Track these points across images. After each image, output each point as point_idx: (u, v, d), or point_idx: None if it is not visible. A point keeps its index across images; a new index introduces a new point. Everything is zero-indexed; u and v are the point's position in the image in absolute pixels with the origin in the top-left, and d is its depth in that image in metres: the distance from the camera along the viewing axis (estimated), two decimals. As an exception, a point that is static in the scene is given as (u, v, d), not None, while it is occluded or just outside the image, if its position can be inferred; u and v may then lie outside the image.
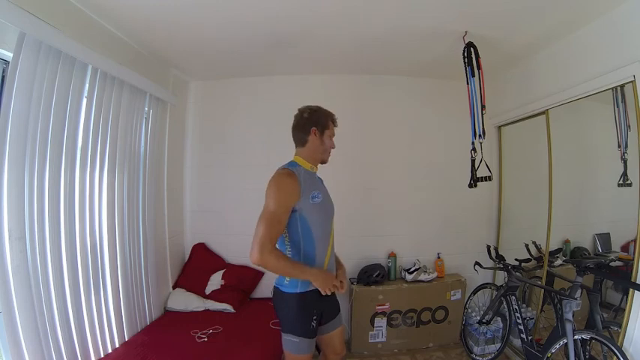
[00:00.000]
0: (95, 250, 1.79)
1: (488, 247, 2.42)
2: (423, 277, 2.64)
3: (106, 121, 1.85)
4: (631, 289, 1.58)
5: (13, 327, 1.32)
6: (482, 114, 1.93)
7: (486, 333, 2.45)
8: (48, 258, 1.48)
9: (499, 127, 2.82)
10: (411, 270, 2.65)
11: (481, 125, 1.93)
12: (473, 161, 1.99)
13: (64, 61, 1.52)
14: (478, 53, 1.91)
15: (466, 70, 1.93)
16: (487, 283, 2.59)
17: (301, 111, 1.53)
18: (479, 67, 1.91)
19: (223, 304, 2.42)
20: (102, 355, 1.77)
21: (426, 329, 2.64)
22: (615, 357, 1.49)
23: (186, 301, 2.43)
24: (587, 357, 1.69)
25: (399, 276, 2.75)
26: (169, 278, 2.58)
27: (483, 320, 2.42)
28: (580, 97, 1.93)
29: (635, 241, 1.63)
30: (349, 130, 2.53)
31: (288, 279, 1.43)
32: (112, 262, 1.91)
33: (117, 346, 1.89)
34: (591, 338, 1.63)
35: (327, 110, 1.55)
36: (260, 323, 2.23)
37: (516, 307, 2.17)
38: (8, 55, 1.35)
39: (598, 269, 1.77)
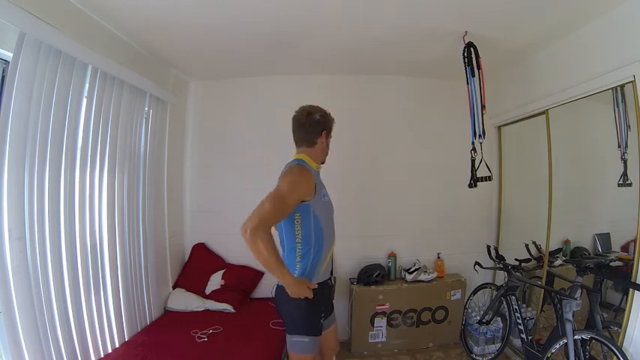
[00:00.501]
0: (95, 250, 1.79)
1: (488, 247, 2.42)
2: (423, 277, 2.64)
3: (106, 121, 1.85)
4: (631, 289, 1.58)
5: (13, 327, 1.32)
6: (482, 114, 1.93)
7: (486, 333, 2.45)
8: (48, 258, 1.48)
9: (499, 127, 2.82)
10: (411, 270, 2.65)
11: (481, 125, 1.93)
12: (473, 161, 1.99)
13: (64, 61, 1.52)
14: (478, 53, 1.92)
15: (466, 70, 1.93)
16: (487, 283, 2.59)
17: (309, 112, 1.49)
18: (479, 67, 1.91)
19: (223, 304, 2.42)
20: (102, 355, 1.77)
21: (426, 329, 2.64)
22: (615, 357, 1.49)
23: (186, 301, 2.43)
24: (587, 357, 1.69)
25: (399, 276, 2.75)
26: (169, 278, 2.57)
27: (483, 320, 2.42)
28: (580, 97, 1.93)
29: (635, 241, 1.63)
30: (349, 130, 2.54)
31: None
32: (112, 262, 1.91)
33: (117, 346, 1.89)
34: (591, 338, 1.63)
35: (330, 114, 1.56)
36: (260, 323, 2.23)
37: (516, 307, 2.17)
38: (8, 55, 1.35)
39: (598, 269, 1.77)
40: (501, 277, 2.51)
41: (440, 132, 2.88)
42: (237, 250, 2.79)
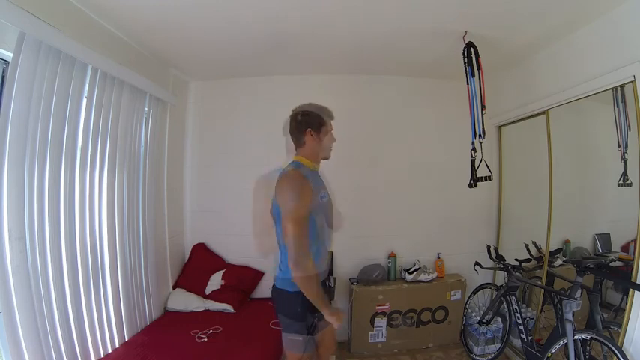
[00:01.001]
0: (95, 250, 1.79)
1: (488, 247, 2.42)
2: (423, 277, 2.64)
3: (106, 121, 1.85)
4: (631, 289, 1.58)
5: (13, 327, 1.32)
6: (482, 114, 1.93)
7: (486, 333, 2.45)
8: (48, 258, 1.48)
9: (499, 127, 2.82)
10: (411, 270, 2.65)
11: (481, 125, 1.93)
12: (473, 161, 1.99)
13: (64, 61, 1.52)
14: (478, 53, 1.91)
15: (466, 70, 1.93)
16: (487, 283, 2.59)
17: (295, 113, 1.51)
18: (479, 67, 1.91)
19: (223, 304, 2.42)
20: (102, 355, 1.77)
21: (426, 329, 2.64)
22: (615, 357, 1.50)
23: (186, 301, 2.43)
24: (587, 357, 1.69)
25: (399, 276, 2.75)
26: (169, 278, 2.57)
27: (483, 320, 2.42)
28: (580, 97, 1.93)
29: (635, 241, 1.63)
30: (349, 130, 2.53)
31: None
32: (112, 262, 1.91)
33: (117, 346, 1.89)
34: (591, 338, 1.63)
35: (320, 106, 1.53)
36: (260, 323, 2.23)
37: (516, 307, 2.17)
38: (8, 55, 1.35)
39: (598, 269, 1.77)
40: (501, 277, 2.51)
41: (440, 132, 2.88)
42: (237, 250, 2.79)
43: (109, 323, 1.86)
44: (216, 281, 2.61)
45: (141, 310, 2.16)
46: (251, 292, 2.72)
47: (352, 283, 2.63)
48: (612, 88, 1.76)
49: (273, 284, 1.51)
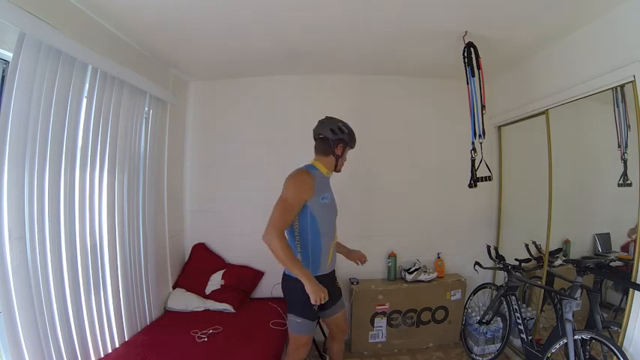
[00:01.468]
0: (95, 250, 1.79)
1: (488, 247, 2.42)
2: (423, 277, 2.64)
3: (106, 121, 1.84)
4: (631, 289, 1.58)
5: (13, 327, 1.32)
6: (482, 114, 1.93)
7: (486, 333, 2.45)
8: (48, 258, 1.48)
9: (499, 127, 2.82)
10: (411, 270, 2.65)
11: (481, 125, 1.93)
12: (473, 161, 1.99)
13: (64, 61, 1.52)
14: (478, 53, 1.91)
15: (466, 70, 1.93)
16: (487, 283, 2.60)
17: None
18: (479, 67, 1.90)
19: (223, 304, 2.42)
20: (102, 355, 1.76)
21: (426, 329, 2.64)
22: (615, 357, 1.50)
23: (186, 301, 2.43)
24: (587, 357, 1.69)
25: (399, 276, 2.75)
26: (169, 278, 2.57)
27: (483, 320, 2.42)
28: (580, 97, 1.93)
29: (635, 241, 1.63)
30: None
31: None
32: (112, 262, 1.91)
33: (117, 346, 1.89)
34: (591, 338, 1.63)
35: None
36: (260, 323, 2.23)
37: (516, 307, 2.17)
38: (8, 55, 1.35)
39: (598, 269, 1.77)
40: (501, 277, 2.51)
41: (440, 132, 2.88)
42: (237, 250, 2.79)
43: (109, 323, 1.86)
44: (216, 281, 2.61)
45: (141, 310, 2.16)
46: (251, 292, 2.72)
47: (352, 284, 2.63)
48: (612, 88, 1.76)
49: (284, 272, 1.69)
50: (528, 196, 2.60)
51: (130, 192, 2.07)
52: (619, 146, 1.82)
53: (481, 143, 1.93)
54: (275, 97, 2.82)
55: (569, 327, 1.69)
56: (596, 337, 1.61)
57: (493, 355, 2.34)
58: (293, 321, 1.65)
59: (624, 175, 1.79)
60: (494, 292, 2.45)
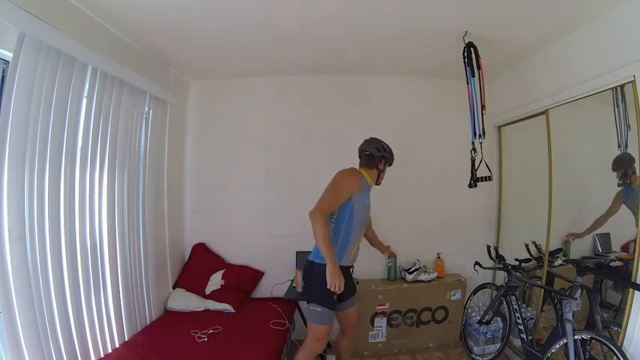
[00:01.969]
0: (95, 250, 1.79)
1: (488, 247, 2.42)
2: (423, 277, 2.63)
3: (106, 121, 1.85)
4: (631, 289, 1.58)
5: (13, 327, 1.32)
6: (482, 114, 1.93)
7: (486, 333, 2.45)
8: (48, 258, 1.48)
9: (499, 127, 2.82)
10: (411, 270, 2.65)
11: (481, 125, 1.93)
12: (473, 161, 1.99)
13: (64, 61, 1.52)
14: (478, 53, 1.91)
15: (466, 70, 1.93)
16: (487, 283, 2.59)
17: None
18: (479, 67, 1.90)
19: (223, 304, 2.42)
20: (102, 355, 1.77)
21: (426, 329, 2.63)
22: (615, 357, 1.49)
23: (186, 301, 2.43)
24: (587, 357, 1.69)
25: (399, 276, 2.75)
26: (169, 278, 2.57)
27: (483, 320, 2.42)
28: (580, 97, 1.93)
29: (635, 241, 1.63)
30: (349, 130, 2.53)
31: None
32: (112, 262, 1.91)
33: (117, 346, 1.89)
34: (591, 338, 1.63)
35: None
36: (260, 323, 2.23)
37: (516, 307, 2.17)
38: (8, 55, 1.35)
39: (598, 269, 1.77)
40: (501, 277, 2.51)
41: (440, 132, 2.87)
42: (237, 250, 2.79)
43: (109, 323, 1.86)
44: (216, 281, 2.61)
45: (141, 310, 2.16)
46: (251, 292, 2.72)
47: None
48: (612, 88, 1.76)
49: (307, 259, 1.80)
50: (528, 196, 2.60)
51: (130, 192, 2.07)
52: (619, 146, 1.82)
53: (481, 143, 1.93)
54: (275, 97, 2.82)
55: (569, 327, 1.69)
56: (596, 337, 1.61)
57: (493, 355, 2.34)
58: (313, 311, 1.71)
59: (624, 175, 1.79)
60: (494, 292, 2.45)
